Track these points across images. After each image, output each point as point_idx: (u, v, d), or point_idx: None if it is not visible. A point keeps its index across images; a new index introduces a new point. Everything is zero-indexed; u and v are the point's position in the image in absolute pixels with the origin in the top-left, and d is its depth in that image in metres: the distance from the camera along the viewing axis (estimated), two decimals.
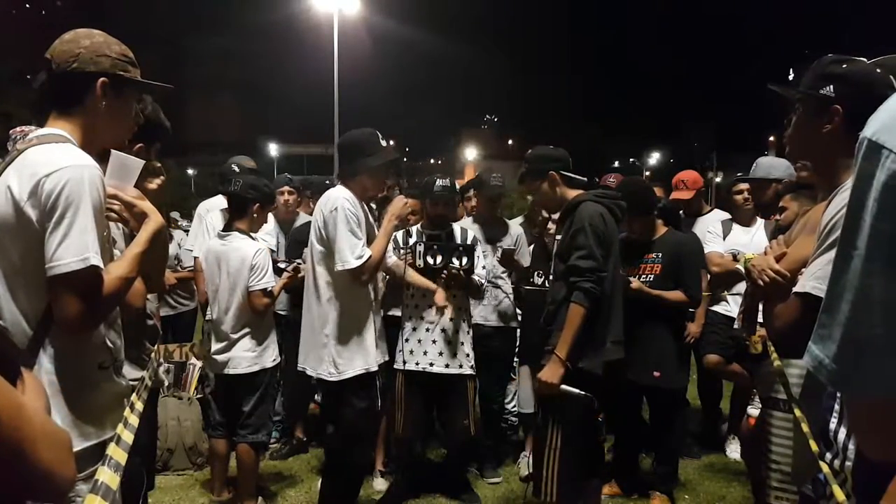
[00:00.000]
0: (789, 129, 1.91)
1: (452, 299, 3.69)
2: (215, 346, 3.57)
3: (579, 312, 2.84)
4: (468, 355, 3.72)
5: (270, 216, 4.87)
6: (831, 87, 1.72)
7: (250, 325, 3.54)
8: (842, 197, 1.66)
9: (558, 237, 3.14)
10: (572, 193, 3.10)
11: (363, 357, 3.10)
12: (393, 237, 3.81)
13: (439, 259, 3.56)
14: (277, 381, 4.83)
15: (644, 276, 3.78)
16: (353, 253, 2.97)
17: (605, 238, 2.94)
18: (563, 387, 2.87)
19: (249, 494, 3.62)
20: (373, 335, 3.16)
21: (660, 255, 3.79)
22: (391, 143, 3.68)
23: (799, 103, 1.85)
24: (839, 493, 1.26)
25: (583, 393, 2.87)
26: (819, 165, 1.86)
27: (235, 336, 3.52)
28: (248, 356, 3.53)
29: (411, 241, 3.78)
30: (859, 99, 1.70)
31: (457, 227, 4.01)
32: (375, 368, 3.15)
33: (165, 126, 2.47)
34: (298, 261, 3.86)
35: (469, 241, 3.83)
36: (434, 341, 3.67)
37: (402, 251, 3.68)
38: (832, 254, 1.61)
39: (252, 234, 3.61)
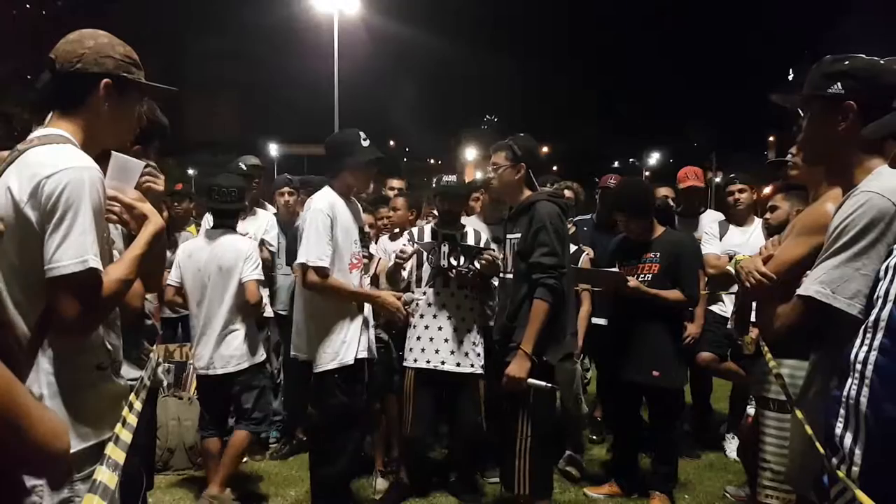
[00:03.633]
0: (801, 135, 1.87)
1: (464, 299, 3.76)
2: (205, 346, 3.58)
3: (544, 308, 2.99)
4: (479, 355, 3.77)
5: (272, 217, 4.89)
6: (839, 84, 1.70)
7: (242, 321, 3.58)
8: (852, 202, 1.63)
9: (510, 235, 3.29)
10: (527, 193, 3.26)
11: (342, 350, 3.14)
12: (408, 232, 4.01)
13: (462, 260, 3.66)
14: (275, 377, 4.86)
15: (642, 275, 3.79)
16: (311, 252, 3.06)
17: (563, 235, 3.11)
18: (530, 380, 2.98)
19: (223, 482, 3.58)
20: (354, 329, 3.19)
21: (658, 254, 3.79)
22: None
23: (807, 107, 1.82)
24: (864, 498, 1.26)
25: (549, 385, 3.02)
26: (835, 167, 1.81)
27: (226, 334, 3.54)
28: (237, 354, 3.56)
29: (425, 239, 3.87)
30: (870, 92, 1.68)
31: (470, 228, 4.05)
32: (351, 362, 3.15)
33: (163, 124, 2.47)
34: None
35: (482, 243, 3.89)
36: (446, 340, 3.71)
37: (429, 256, 3.75)
38: (840, 258, 1.60)
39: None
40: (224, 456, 3.66)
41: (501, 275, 3.44)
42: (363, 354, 3.21)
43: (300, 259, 3.10)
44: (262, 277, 3.64)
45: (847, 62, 1.73)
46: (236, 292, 3.55)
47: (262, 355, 3.72)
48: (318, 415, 3.28)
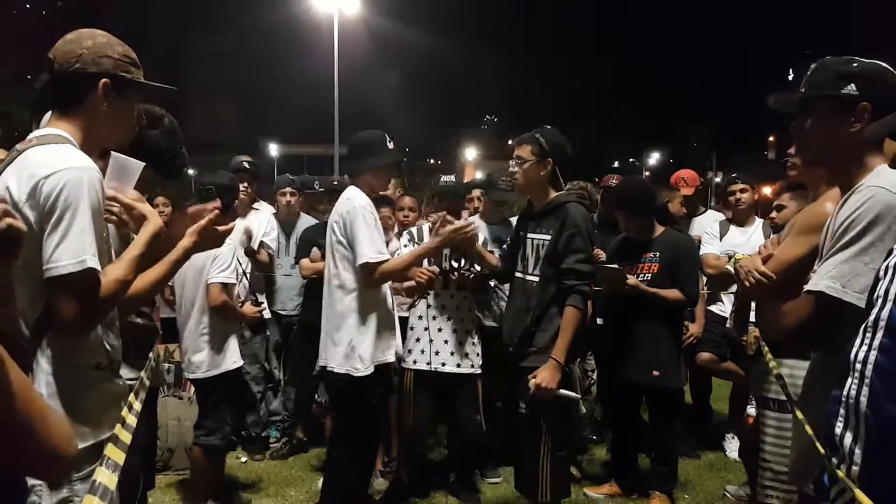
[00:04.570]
0: (802, 136, 1.84)
1: (463, 300, 3.77)
2: (185, 349, 3.54)
3: (577, 316, 2.92)
4: (478, 354, 3.78)
5: (272, 217, 4.88)
6: (853, 85, 1.69)
7: (212, 325, 3.47)
8: (858, 197, 1.63)
9: (533, 235, 3.15)
10: (554, 192, 3.14)
11: (386, 350, 3.20)
12: (407, 233, 3.99)
13: (463, 262, 3.65)
14: (274, 376, 4.84)
15: (642, 275, 3.79)
16: (373, 249, 3.06)
17: (594, 240, 3.07)
18: (561, 391, 2.90)
19: (200, 499, 3.53)
20: (396, 328, 3.28)
21: (657, 254, 3.79)
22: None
23: (812, 108, 1.79)
24: (863, 498, 1.26)
25: (578, 395, 2.97)
26: (837, 167, 1.81)
27: (198, 337, 3.47)
28: (208, 359, 3.46)
29: (424, 239, 3.84)
30: (882, 94, 1.69)
31: None
32: (393, 359, 3.28)
33: (185, 160, 2.44)
34: (263, 304, 3.92)
35: (480, 244, 3.86)
36: (446, 341, 3.72)
37: (430, 258, 3.70)
38: (849, 252, 1.60)
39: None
40: (191, 476, 3.60)
41: (521, 275, 3.24)
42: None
43: (363, 260, 3.04)
44: (231, 280, 3.48)
45: (855, 64, 1.73)
46: (203, 295, 3.46)
47: (234, 363, 3.55)
48: (345, 416, 3.26)
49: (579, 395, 3.00)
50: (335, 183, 4.90)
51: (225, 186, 3.51)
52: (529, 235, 3.18)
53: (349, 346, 3.12)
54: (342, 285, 3.17)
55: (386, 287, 3.27)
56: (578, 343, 3.08)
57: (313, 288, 4.50)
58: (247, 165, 4.78)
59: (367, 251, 3.04)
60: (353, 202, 3.14)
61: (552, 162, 3.08)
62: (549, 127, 3.21)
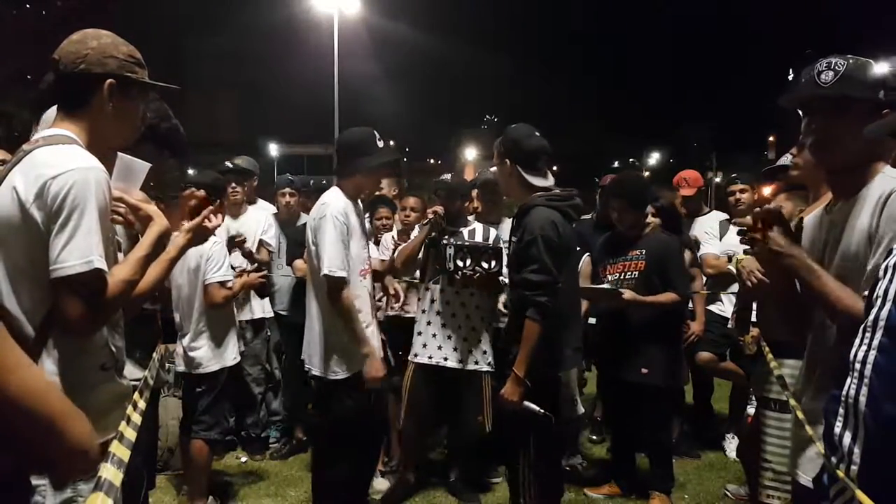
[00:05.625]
0: (834, 133, 1.78)
1: (470, 297, 3.74)
2: (181, 346, 3.56)
3: (535, 329, 2.79)
4: (485, 352, 3.73)
5: (271, 217, 4.89)
6: (882, 91, 1.72)
7: (211, 322, 3.52)
8: None
9: (514, 238, 3.06)
10: (528, 194, 2.96)
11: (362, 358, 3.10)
12: (419, 226, 3.98)
13: (469, 262, 3.58)
14: (274, 377, 4.84)
15: (629, 272, 3.81)
16: (335, 263, 2.97)
17: (558, 246, 2.83)
18: (525, 403, 2.84)
19: (200, 493, 3.56)
20: (374, 332, 3.16)
21: (643, 251, 3.82)
22: (391, 143, 3.68)
23: (854, 108, 1.75)
24: (863, 498, 1.26)
25: (542, 412, 2.84)
26: (849, 169, 1.80)
27: (198, 334, 3.50)
28: (209, 354, 3.50)
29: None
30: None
31: (479, 226, 4.02)
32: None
33: (177, 126, 2.43)
34: (263, 270, 3.88)
35: (492, 240, 3.86)
36: (449, 337, 3.70)
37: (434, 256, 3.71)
38: None
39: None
40: (190, 471, 3.63)
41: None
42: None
43: (323, 270, 2.97)
44: (227, 278, 3.52)
45: (879, 70, 1.73)
46: (202, 294, 3.50)
47: (234, 359, 3.62)
48: (326, 419, 3.24)
49: (543, 412, 2.85)
50: (324, 183, 4.90)
51: (206, 185, 3.51)
52: (512, 238, 3.11)
53: (325, 350, 3.07)
54: (317, 288, 3.11)
55: (367, 291, 3.20)
56: (559, 353, 3.01)
57: (302, 288, 4.52)
58: (231, 166, 4.70)
59: (328, 263, 2.96)
60: (327, 208, 3.03)
61: (510, 162, 2.95)
62: (514, 125, 3.07)
